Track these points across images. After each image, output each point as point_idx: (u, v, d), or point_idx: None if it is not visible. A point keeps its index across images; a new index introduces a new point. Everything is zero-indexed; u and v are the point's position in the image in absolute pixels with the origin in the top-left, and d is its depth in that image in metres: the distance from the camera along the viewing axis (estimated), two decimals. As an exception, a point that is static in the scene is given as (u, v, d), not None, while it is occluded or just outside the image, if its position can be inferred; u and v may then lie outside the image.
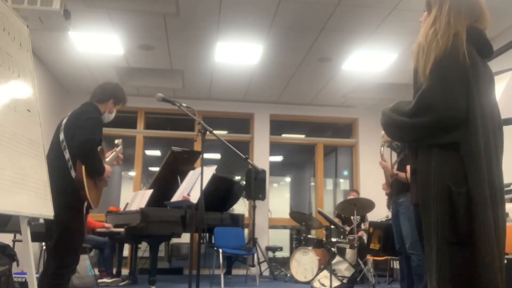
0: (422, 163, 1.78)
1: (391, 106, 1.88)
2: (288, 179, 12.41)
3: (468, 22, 1.79)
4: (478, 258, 1.62)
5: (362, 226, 6.48)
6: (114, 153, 3.27)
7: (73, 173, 2.79)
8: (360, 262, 5.71)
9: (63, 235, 2.80)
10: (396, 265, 6.01)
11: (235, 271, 6.89)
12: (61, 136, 2.88)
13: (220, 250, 5.60)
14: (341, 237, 5.99)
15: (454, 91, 1.69)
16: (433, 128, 1.71)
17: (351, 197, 6.68)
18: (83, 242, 2.96)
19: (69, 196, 2.77)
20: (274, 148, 8.41)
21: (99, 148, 2.94)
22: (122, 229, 5.19)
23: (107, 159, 3.16)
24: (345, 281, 5.23)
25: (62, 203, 2.66)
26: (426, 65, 1.74)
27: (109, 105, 3.11)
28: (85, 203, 2.83)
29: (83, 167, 2.78)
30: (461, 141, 1.68)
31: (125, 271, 6.05)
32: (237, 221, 6.33)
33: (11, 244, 4.65)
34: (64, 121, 2.98)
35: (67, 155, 2.82)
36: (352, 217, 5.93)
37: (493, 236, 1.64)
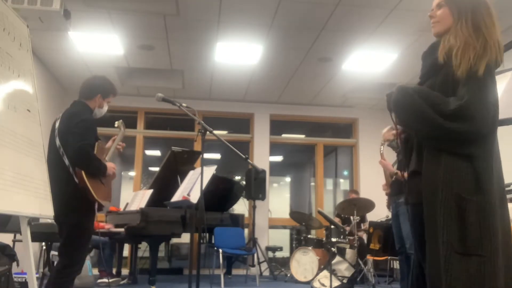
0: (429, 167, 1.77)
1: (418, 90, 1.83)
2: (288, 179, 12.39)
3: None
4: (485, 268, 1.64)
5: (362, 226, 6.47)
6: (113, 142, 3.22)
7: (76, 179, 2.80)
8: (360, 262, 5.71)
9: (73, 234, 2.84)
10: (396, 265, 6.01)
11: (235, 271, 6.88)
12: (57, 142, 2.87)
13: (220, 250, 5.59)
14: (341, 237, 5.99)
15: (494, 107, 1.76)
16: (465, 136, 1.72)
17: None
18: (90, 241, 2.98)
19: (79, 200, 2.80)
20: (274, 148, 8.41)
21: (97, 143, 2.93)
22: (122, 229, 5.18)
23: (107, 154, 3.14)
24: (345, 281, 5.23)
25: (73, 206, 2.79)
26: (476, 65, 1.75)
27: (97, 100, 3.06)
28: (96, 204, 2.86)
29: (83, 172, 2.79)
30: (479, 154, 1.72)
31: (125, 271, 6.04)
32: (237, 221, 6.33)
33: (11, 244, 4.65)
34: (57, 123, 2.96)
35: (66, 161, 2.82)
36: (352, 217, 5.93)
37: (499, 247, 1.66)
